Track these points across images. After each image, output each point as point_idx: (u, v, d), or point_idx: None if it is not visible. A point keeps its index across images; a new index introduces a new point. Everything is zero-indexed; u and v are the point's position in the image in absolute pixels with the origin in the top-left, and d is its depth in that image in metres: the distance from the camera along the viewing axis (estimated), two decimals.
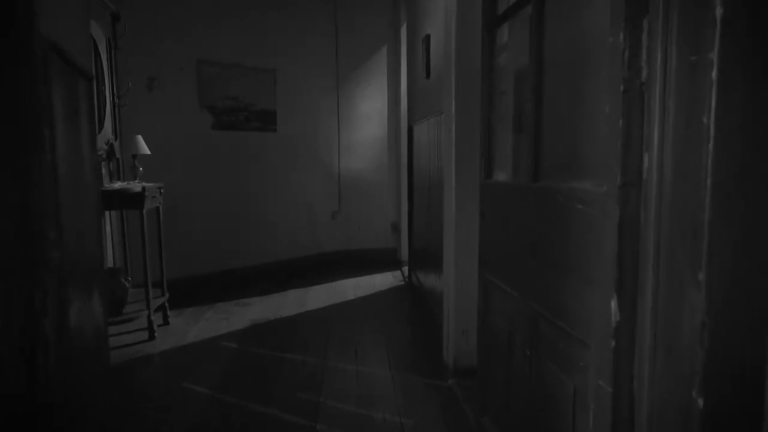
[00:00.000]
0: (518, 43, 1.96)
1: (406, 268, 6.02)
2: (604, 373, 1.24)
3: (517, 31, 2.00)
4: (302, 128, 6.32)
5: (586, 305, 1.37)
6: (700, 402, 0.98)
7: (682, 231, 1.02)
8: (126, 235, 4.54)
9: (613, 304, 1.19)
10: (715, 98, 0.94)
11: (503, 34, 2.16)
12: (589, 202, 1.34)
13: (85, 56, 1.75)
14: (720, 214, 0.95)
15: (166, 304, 4.28)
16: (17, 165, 1.10)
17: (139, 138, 4.22)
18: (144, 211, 3.82)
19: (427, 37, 4.13)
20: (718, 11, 0.92)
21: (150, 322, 3.90)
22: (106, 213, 4.35)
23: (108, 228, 4.41)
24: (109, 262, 4.38)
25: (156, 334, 3.95)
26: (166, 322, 4.27)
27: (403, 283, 5.70)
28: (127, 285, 3.94)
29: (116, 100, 4.44)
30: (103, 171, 3.91)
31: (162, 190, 4.26)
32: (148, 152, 4.26)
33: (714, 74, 0.94)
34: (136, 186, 3.87)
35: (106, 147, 4.05)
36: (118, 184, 3.97)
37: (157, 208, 4.20)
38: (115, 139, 4.40)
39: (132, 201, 3.78)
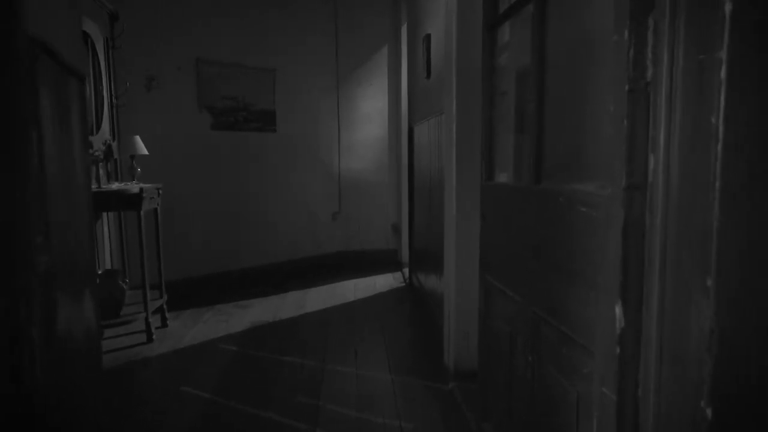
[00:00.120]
0: (520, 42, 1.93)
1: (406, 270, 5.99)
2: (609, 380, 1.21)
3: (518, 30, 1.97)
4: (302, 128, 6.29)
5: (589, 310, 1.33)
6: (709, 412, 0.95)
7: (689, 235, 0.99)
8: (124, 237, 4.51)
9: (618, 309, 1.16)
10: (724, 98, 0.90)
11: (504, 33, 2.13)
12: (592, 205, 1.31)
13: (76, 55, 1.72)
14: (729, 218, 0.91)
15: (165, 306, 4.25)
16: (2, 169, 1.06)
17: (137, 138, 4.19)
18: (142, 213, 3.79)
19: (428, 37, 4.10)
20: (727, 7, 0.89)
21: (148, 324, 3.87)
22: (104, 214, 4.33)
23: (105, 229, 4.38)
24: (107, 264, 4.35)
25: (154, 337, 3.92)
26: (164, 325, 4.25)
27: (403, 284, 5.67)
28: (124, 287, 3.91)
29: (114, 100, 4.41)
30: (101, 172, 3.88)
31: (160, 191, 4.23)
32: (146, 153, 4.23)
33: (723, 73, 0.90)
34: (133, 187, 3.84)
35: (104, 148, 4.02)
36: (115, 185, 3.95)
37: (155, 209, 4.17)
38: (113, 139, 4.37)
39: (130, 202, 3.75)
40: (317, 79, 6.39)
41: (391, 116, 6.64)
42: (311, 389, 3.12)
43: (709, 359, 0.94)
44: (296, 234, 6.32)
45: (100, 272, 3.89)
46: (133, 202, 3.75)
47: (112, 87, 4.39)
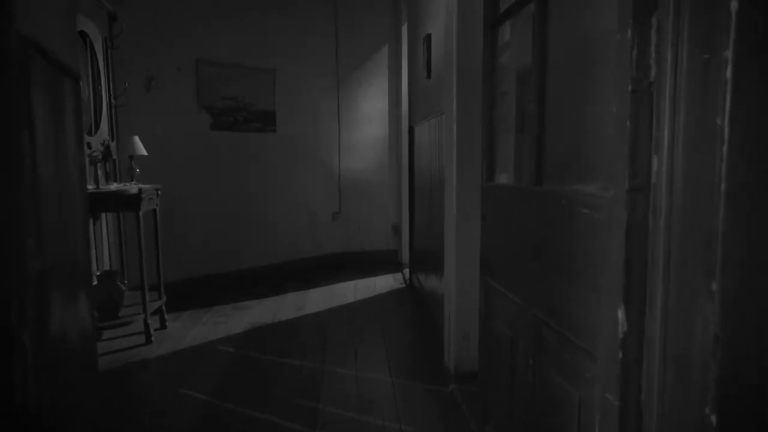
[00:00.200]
0: (521, 41, 1.91)
1: (407, 270, 5.97)
2: (611, 385, 1.19)
3: (519, 30, 1.95)
4: (302, 129, 6.28)
5: (591, 314, 1.31)
6: (713, 419, 0.93)
7: (693, 238, 0.97)
8: (123, 238, 4.49)
9: (620, 313, 1.14)
10: (730, 98, 0.88)
11: (505, 32, 2.11)
12: (594, 207, 1.29)
13: (71, 55, 1.70)
14: (734, 220, 0.89)
15: (163, 308, 4.23)
16: None
17: (136, 139, 4.17)
18: (140, 214, 3.77)
19: (428, 37, 4.09)
20: (734, 5, 0.87)
21: (146, 325, 3.85)
22: (103, 215, 4.31)
23: (104, 230, 4.36)
24: (105, 265, 4.33)
25: (153, 338, 3.90)
26: (163, 326, 4.23)
27: (404, 285, 5.65)
28: (123, 288, 3.89)
29: (113, 100, 4.39)
30: (99, 172, 3.87)
31: (159, 192, 4.22)
32: (145, 153, 4.21)
33: (728, 73, 0.88)
34: (132, 188, 3.82)
35: (102, 148, 4.00)
36: (114, 186, 3.93)
37: (154, 210, 4.15)
38: (112, 140, 4.35)
39: (128, 203, 3.73)
40: (317, 80, 6.38)
41: (392, 116, 6.62)
42: (311, 391, 3.10)
43: (714, 365, 0.92)
44: (296, 234, 6.30)
45: (98, 273, 3.88)
46: (131, 202, 3.73)
47: (111, 87, 4.37)
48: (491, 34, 2.15)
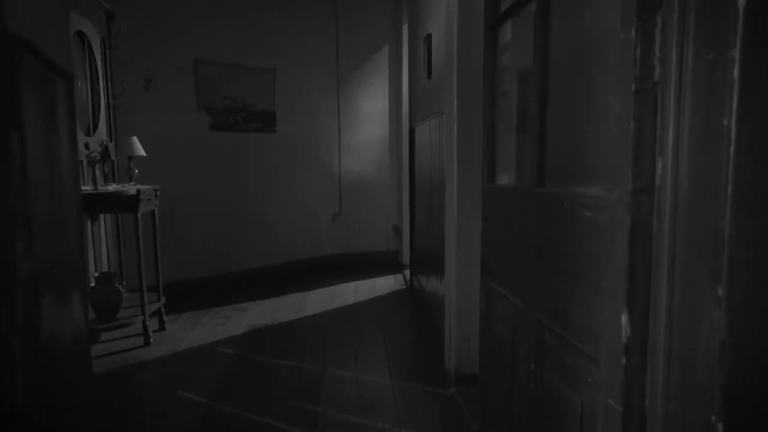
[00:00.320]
0: (522, 41, 1.89)
1: (407, 272, 5.95)
2: (614, 390, 1.17)
3: (520, 29, 1.93)
4: (302, 129, 6.26)
5: (594, 317, 1.29)
6: (720, 427, 0.91)
7: (699, 241, 0.95)
8: (121, 239, 4.47)
9: (624, 317, 1.12)
10: (737, 98, 0.86)
11: (506, 32, 2.09)
12: (597, 209, 1.27)
13: (63, 54, 1.67)
14: (742, 223, 0.87)
15: (162, 309, 4.21)
16: None
17: (135, 139, 4.15)
18: (139, 215, 3.75)
19: (429, 37, 4.07)
20: (741, 2, 0.84)
21: (145, 327, 3.83)
22: (101, 216, 4.29)
23: (102, 231, 4.35)
24: (104, 267, 4.32)
25: (151, 340, 3.88)
26: (161, 328, 4.21)
27: (404, 286, 5.63)
28: (121, 290, 3.87)
29: (111, 100, 4.37)
30: (97, 173, 3.84)
31: (158, 193, 4.20)
32: (144, 154, 4.19)
33: (736, 72, 0.86)
34: (131, 188, 3.80)
35: (101, 149, 3.98)
36: (112, 187, 3.91)
37: (153, 210, 4.13)
38: (110, 140, 4.33)
39: (127, 204, 3.71)
40: (317, 80, 6.36)
41: (392, 117, 6.60)
42: (310, 393, 3.08)
43: (721, 373, 0.90)
44: (296, 235, 6.28)
45: (96, 275, 3.86)
46: (130, 203, 3.71)
47: (110, 87, 4.36)
48: (492, 34, 2.13)
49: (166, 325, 4.25)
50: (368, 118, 6.64)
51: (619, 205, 1.12)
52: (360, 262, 6.57)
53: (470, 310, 2.95)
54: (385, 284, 5.75)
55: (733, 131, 0.86)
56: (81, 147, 3.75)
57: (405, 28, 5.92)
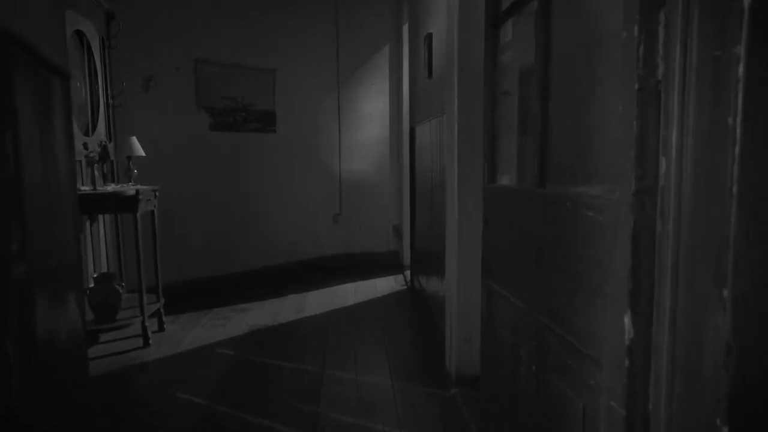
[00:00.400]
0: (523, 39, 1.88)
1: (408, 272, 5.93)
2: (617, 393, 1.15)
3: (522, 28, 1.92)
4: (302, 129, 6.24)
5: (596, 319, 1.27)
6: (725, 431, 0.89)
7: (704, 243, 0.93)
8: (120, 239, 4.46)
9: (627, 320, 1.10)
10: (743, 97, 0.84)
11: (507, 31, 2.07)
12: (600, 209, 1.25)
13: (59, 51, 1.66)
14: (747, 224, 0.85)
15: (162, 310, 4.20)
16: None
17: (134, 139, 4.14)
18: (138, 215, 3.74)
19: (429, 36, 4.05)
20: None
21: (144, 328, 3.81)
22: (100, 216, 4.28)
23: (101, 232, 4.33)
24: (103, 267, 4.30)
25: (151, 341, 3.86)
26: (161, 329, 4.19)
27: (405, 287, 5.61)
28: (120, 290, 3.86)
29: (110, 100, 4.36)
30: (96, 173, 3.83)
31: (157, 193, 4.18)
32: (143, 154, 4.18)
33: (741, 70, 0.84)
34: (130, 189, 3.79)
35: (100, 149, 3.97)
36: (111, 187, 3.90)
37: (152, 211, 4.11)
38: (109, 140, 4.32)
39: (126, 204, 3.70)
40: (317, 80, 6.34)
41: (393, 116, 6.59)
42: (310, 395, 3.06)
43: (726, 376, 0.88)
44: (296, 236, 6.26)
45: (95, 276, 3.84)
46: (129, 204, 3.69)
47: (108, 87, 4.34)
48: (493, 33, 2.11)
49: (165, 326, 4.23)
50: (369, 118, 6.62)
51: (622, 206, 1.10)
52: (360, 262, 6.55)
53: (471, 311, 2.93)
54: (385, 285, 5.74)
55: (739, 131, 0.84)
56: (80, 147, 3.74)
57: (405, 28, 5.91)
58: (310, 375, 3.35)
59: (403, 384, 3.20)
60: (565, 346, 1.46)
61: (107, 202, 3.68)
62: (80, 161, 3.82)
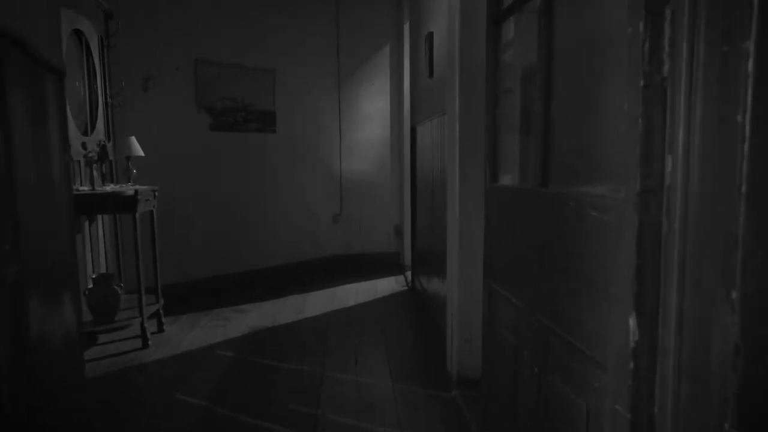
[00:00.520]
0: (525, 37, 1.85)
1: (409, 273, 5.91)
2: (622, 396, 1.13)
3: (524, 25, 1.90)
4: (302, 129, 6.23)
5: (601, 321, 1.25)
6: None
7: (711, 243, 0.91)
8: (119, 240, 4.44)
9: (632, 321, 1.08)
10: (752, 93, 0.82)
11: (509, 28, 2.05)
12: (604, 209, 1.23)
13: (54, 49, 1.64)
14: (756, 223, 0.83)
15: (161, 311, 4.18)
16: None
17: (133, 139, 4.12)
18: (137, 215, 3.72)
19: (430, 35, 4.03)
20: None
21: (143, 329, 3.79)
22: (99, 217, 4.26)
23: (100, 232, 4.31)
24: (102, 268, 4.28)
25: (150, 342, 3.84)
26: (160, 330, 4.17)
27: (406, 288, 5.59)
28: (119, 291, 3.84)
29: (109, 99, 4.34)
30: (95, 173, 3.81)
31: (156, 193, 4.16)
32: (142, 154, 4.16)
33: (750, 66, 0.82)
34: (129, 189, 3.77)
35: (98, 148, 3.95)
36: (110, 187, 3.88)
37: (151, 211, 4.09)
38: (108, 140, 4.30)
39: (125, 204, 3.68)
40: (318, 80, 6.32)
41: (393, 116, 6.57)
42: (310, 396, 3.04)
43: (735, 378, 0.86)
44: (296, 236, 6.25)
45: (94, 276, 3.82)
46: (128, 204, 3.68)
47: (107, 86, 4.32)
48: (494, 31, 2.09)
49: (164, 327, 4.21)
50: (369, 117, 6.60)
51: (627, 205, 1.08)
52: (361, 263, 6.53)
53: (472, 312, 2.91)
54: (386, 285, 5.72)
55: (748, 128, 0.82)
56: (78, 147, 3.73)
57: (406, 27, 5.89)
58: (310, 376, 3.33)
59: (404, 385, 3.18)
60: (567, 347, 1.44)
61: (106, 203, 3.66)
62: (79, 161, 3.80)
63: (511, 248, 1.89)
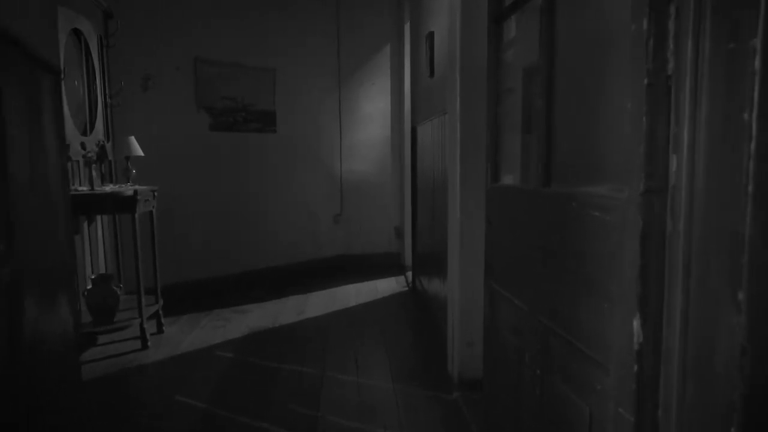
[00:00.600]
0: (527, 36, 1.84)
1: (409, 273, 5.90)
2: (625, 400, 1.12)
3: (525, 24, 1.88)
4: (302, 129, 6.21)
5: (603, 323, 1.24)
6: None
7: (717, 243, 0.90)
8: (119, 240, 4.43)
9: (636, 323, 1.07)
10: (759, 91, 0.81)
11: (511, 27, 2.04)
12: (607, 209, 1.21)
13: (51, 48, 1.62)
14: (763, 223, 0.82)
15: (161, 312, 4.16)
16: None
17: (132, 139, 4.10)
18: (136, 216, 3.71)
19: (431, 35, 4.02)
20: None
21: (143, 330, 3.78)
22: (98, 217, 4.25)
23: (99, 233, 4.30)
24: (101, 268, 4.27)
25: (149, 343, 3.83)
26: (160, 331, 4.16)
27: (406, 288, 5.58)
28: (118, 292, 3.82)
29: (108, 99, 4.33)
30: (94, 174, 3.79)
31: (156, 194, 4.15)
32: (142, 154, 4.14)
33: (757, 63, 0.81)
34: (128, 189, 3.76)
35: (98, 148, 3.93)
36: (109, 187, 3.86)
37: (151, 211, 4.08)
38: (108, 140, 4.29)
39: (124, 205, 3.67)
40: (318, 80, 6.31)
41: (394, 116, 6.56)
42: (310, 397, 3.03)
43: (741, 381, 0.85)
44: (297, 236, 6.23)
45: (93, 277, 3.81)
46: (127, 204, 3.66)
47: (107, 86, 4.31)
48: (496, 29, 2.08)
49: (164, 327, 4.20)
50: (370, 117, 6.59)
51: (630, 205, 1.07)
52: (361, 263, 6.52)
53: (474, 313, 2.89)
54: (386, 286, 5.70)
55: (755, 126, 0.81)
56: (77, 147, 3.71)
57: (407, 27, 5.88)
58: (311, 377, 3.31)
59: (405, 387, 3.16)
60: (570, 349, 1.43)
61: (105, 203, 3.65)
62: (78, 161, 3.79)
63: (513, 249, 1.88)
